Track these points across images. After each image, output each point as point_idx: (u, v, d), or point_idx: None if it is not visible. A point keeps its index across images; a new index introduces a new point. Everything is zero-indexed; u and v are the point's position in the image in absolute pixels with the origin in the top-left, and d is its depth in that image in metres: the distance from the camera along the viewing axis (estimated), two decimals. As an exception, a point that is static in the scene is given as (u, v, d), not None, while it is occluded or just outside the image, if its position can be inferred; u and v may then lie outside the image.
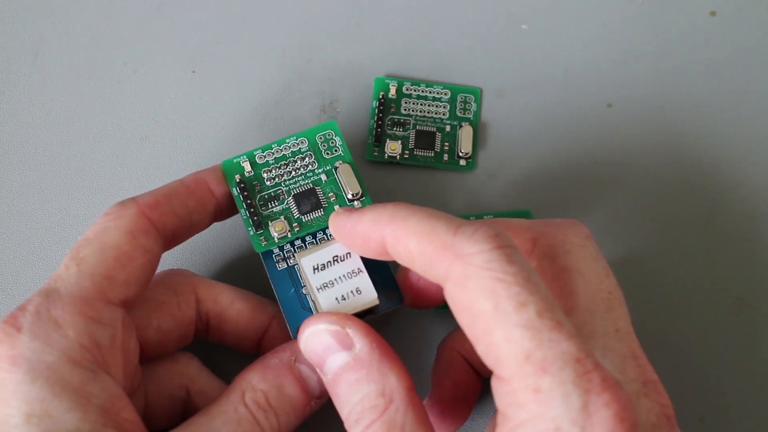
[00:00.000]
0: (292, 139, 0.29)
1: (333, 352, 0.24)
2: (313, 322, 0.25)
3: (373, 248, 0.24)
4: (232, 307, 0.28)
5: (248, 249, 0.32)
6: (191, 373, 0.27)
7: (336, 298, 0.26)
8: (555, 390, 0.20)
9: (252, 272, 0.31)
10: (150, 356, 0.27)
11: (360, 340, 0.24)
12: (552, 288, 0.24)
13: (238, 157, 0.29)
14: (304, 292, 0.27)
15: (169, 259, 0.32)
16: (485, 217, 0.32)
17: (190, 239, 0.31)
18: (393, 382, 0.23)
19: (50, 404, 0.21)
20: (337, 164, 0.29)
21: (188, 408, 0.27)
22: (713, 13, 0.38)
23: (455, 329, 0.29)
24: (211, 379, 0.28)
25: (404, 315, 0.31)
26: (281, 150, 0.29)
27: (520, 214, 0.33)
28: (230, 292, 0.28)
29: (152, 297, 0.27)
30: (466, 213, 0.33)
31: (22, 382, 0.21)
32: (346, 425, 0.24)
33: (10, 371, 0.22)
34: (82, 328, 0.23)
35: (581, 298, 0.24)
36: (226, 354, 0.30)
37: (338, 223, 0.25)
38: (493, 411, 0.27)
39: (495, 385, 0.21)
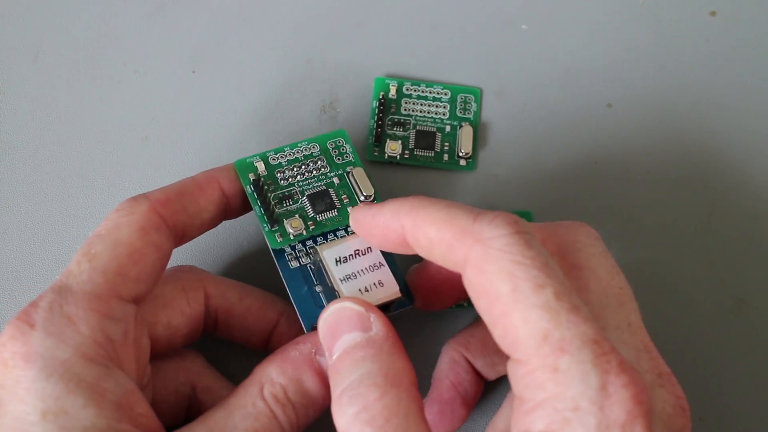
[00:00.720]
0: (303, 143, 0.30)
1: (349, 330, 0.24)
2: (339, 300, 0.25)
3: (392, 239, 0.24)
4: (241, 302, 0.28)
5: (256, 247, 0.32)
6: (197, 370, 0.28)
7: (359, 290, 0.26)
8: (574, 369, 0.20)
9: (260, 270, 0.31)
10: (160, 352, 0.27)
11: (379, 326, 0.24)
12: None
13: (252, 157, 0.29)
14: (317, 290, 0.27)
15: (178, 257, 0.31)
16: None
17: (199, 241, 0.31)
18: (400, 370, 0.23)
19: (66, 401, 0.22)
20: (349, 169, 0.29)
21: (193, 404, 0.27)
22: (713, 13, 0.38)
23: (459, 331, 0.29)
24: (216, 376, 0.28)
25: (408, 316, 0.31)
26: (293, 153, 0.29)
27: (520, 214, 0.33)
28: (239, 288, 0.28)
29: (161, 293, 0.27)
30: (466, 213, 0.33)
31: (37, 379, 0.22)
32: (336, 404, 0.22)
33: (24, 368, 0.22)
34: (95, 324, 0.23)
35: (593, 293, 0.24)
36: (232, 352, 0.30)
37: (358, 215, 0.26)
38: (494, 413, 0.27)
39: (512, 369, 0.21)
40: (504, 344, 0.21)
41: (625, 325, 0.23)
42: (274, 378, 0.25)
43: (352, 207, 0.28)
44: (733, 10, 0.38)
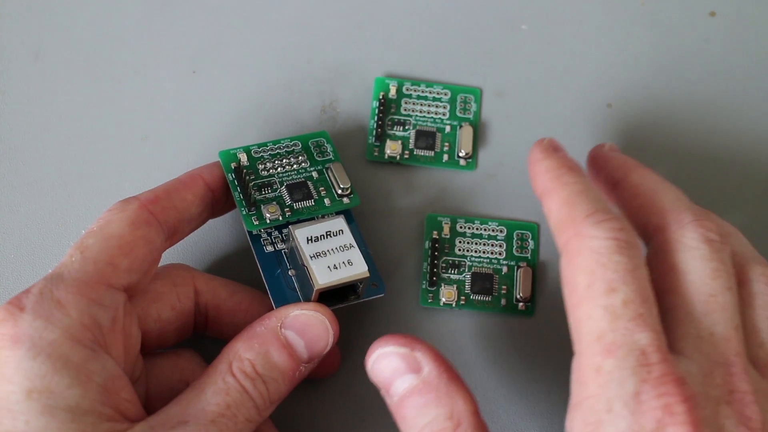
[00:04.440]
0: (286, 140, 0.31)
1: (401, 374, 0.24)
2: (381, 345, 0.25)
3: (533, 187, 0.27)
4: (231, 299, 0.29)
5: (243, 250, 0.32)
6: (193, 368, 0.28)
7: (328, 267, 0.27)
8: (614, 373, 0.21)
9: (248, 271, 0.31)
10: (151, 347, 0.27)
11: (428, 364, 0.24)
12: (659, 284, 0.24)
13: (235, 149, 0.30)
14: (290, 273, 0.28)
15: (168, 258, 0.32)
16: (490, 223, 0.32)
17: (188, 242, 0.32)
18: (461, 406, 0.24)
19: (51, 380, 0.22)
20: (327, 165, 0.30)
21: None
22: (713, 13, 0.38)
23: None
24: None
25: (409, 314, 0.31)
26: (276, 148, 0.31)
27: (524, 227, 0.33)
28: (229, 285, 0.29)
29: (152, 288, 0.27)
30: (467, 213, 0.33)
31: (24, 358, 0.22)
32: None
33: (12, 349, 0.22)
34: (83, 308, 0.23)
35: (680, 297, 0.24)
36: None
37: (534, 149, 0.28)
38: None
39: (573, 360, 0.22)
40: (572, 334, 0.23)
41: (707, 335, 0.23)
42: (241, 354, 0.25)
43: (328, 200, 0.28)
44: (733, 10, 0.38)
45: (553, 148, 0.28)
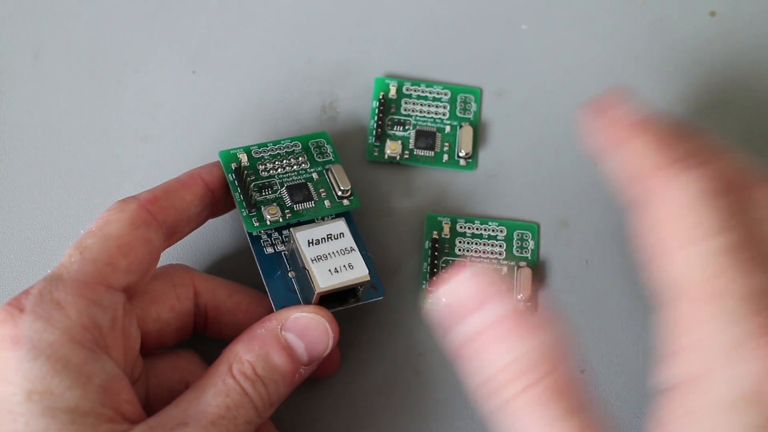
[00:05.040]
0: (286, 141, 0.31)
1: (491, 299, 0.22)
2: (462, 271, 0.22)
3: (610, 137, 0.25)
4: (231, 299, 0.29)
5: (244, 250, 0.32)
6: (192, 368, 0.28)
7: (329, 270, 0.27)
8: (719, 320, 0.20)
9: (248, 272, 0.31)
10: (150, 348, 0.27)
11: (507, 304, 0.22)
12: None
13: (236, 149, 0.30)
14: (290, 275, 0.28)
15: (168, 258, 0.32)
16: (490, 223, 0.32)
17: (188, 242, 0.32)
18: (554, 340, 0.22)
19: (51, 381, 0.22)
20: (328, 166, 0.30)
21: None
22: (713, 13, 0.38)
23: None
24: None
25: (409, 314, 0.31)
26: (276, 149, 0.31)
27: (525, 227, 0.33)
28: (229, 285, 0.29)
29: (151, 289, 0.27)
30: (467, 213, 0.33)
31: (24, 359, 0.22)
32: (489, 387, 0.22)
33: (12, 350, 0.22)
34: (83, 310, 0.23)
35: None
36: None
37: (594, 109, 0.26)
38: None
39: (664, 311, 0.21)
40: (660, 285, 0.22)
41: None
42: (241, 356, 0.25)
43: (330, 205, 0.29)
44: (733, 10, 0.38)
45: (619, 102, 0.26)
